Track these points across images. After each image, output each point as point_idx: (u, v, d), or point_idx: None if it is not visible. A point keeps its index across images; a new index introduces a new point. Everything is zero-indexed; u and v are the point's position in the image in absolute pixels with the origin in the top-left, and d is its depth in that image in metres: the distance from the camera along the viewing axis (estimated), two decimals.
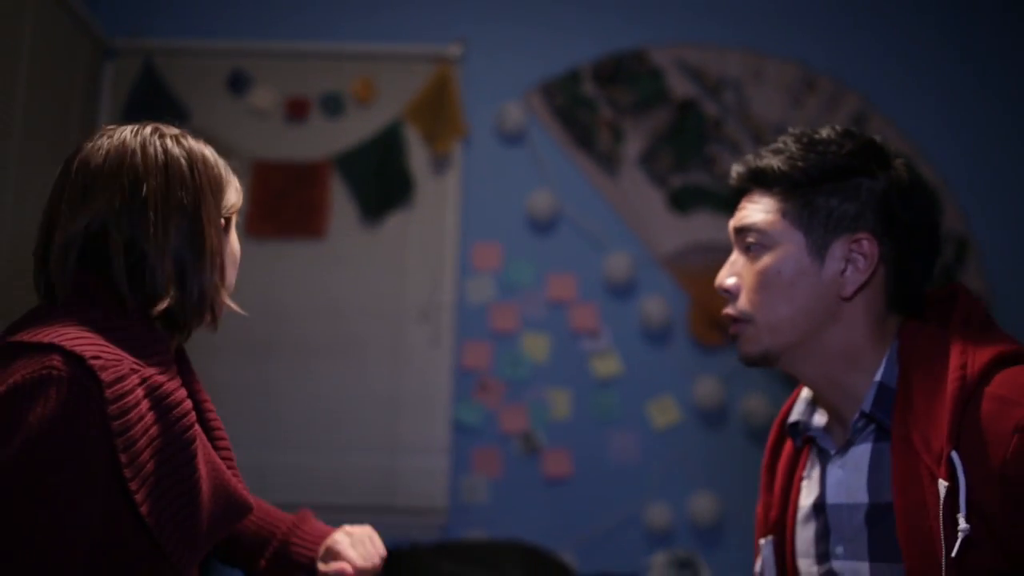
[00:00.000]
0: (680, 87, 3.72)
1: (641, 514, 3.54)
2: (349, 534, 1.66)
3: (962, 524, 1.21)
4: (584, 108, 3.72)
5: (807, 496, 1.52)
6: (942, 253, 1.47)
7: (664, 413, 3.60)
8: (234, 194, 1.41)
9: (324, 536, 1.65)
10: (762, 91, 3.72)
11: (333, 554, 1.62)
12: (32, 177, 3.02)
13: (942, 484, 1.23)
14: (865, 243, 1.40)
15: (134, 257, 1.27)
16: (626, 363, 3.63)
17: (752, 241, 1.48)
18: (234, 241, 1.43)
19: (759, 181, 1.48)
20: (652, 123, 3.71)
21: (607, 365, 3.62)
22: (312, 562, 1.61)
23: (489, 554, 3.22)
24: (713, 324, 3.60)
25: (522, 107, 3.73)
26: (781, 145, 1.47)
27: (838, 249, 1.41)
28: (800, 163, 1.43)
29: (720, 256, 3.53)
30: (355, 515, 3.52)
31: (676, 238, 3.64)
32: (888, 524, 1.35)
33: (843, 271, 1.41)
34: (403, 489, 3.60)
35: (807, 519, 1.51)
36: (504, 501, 3.57)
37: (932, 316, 1.42)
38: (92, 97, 3.61)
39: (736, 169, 1.52)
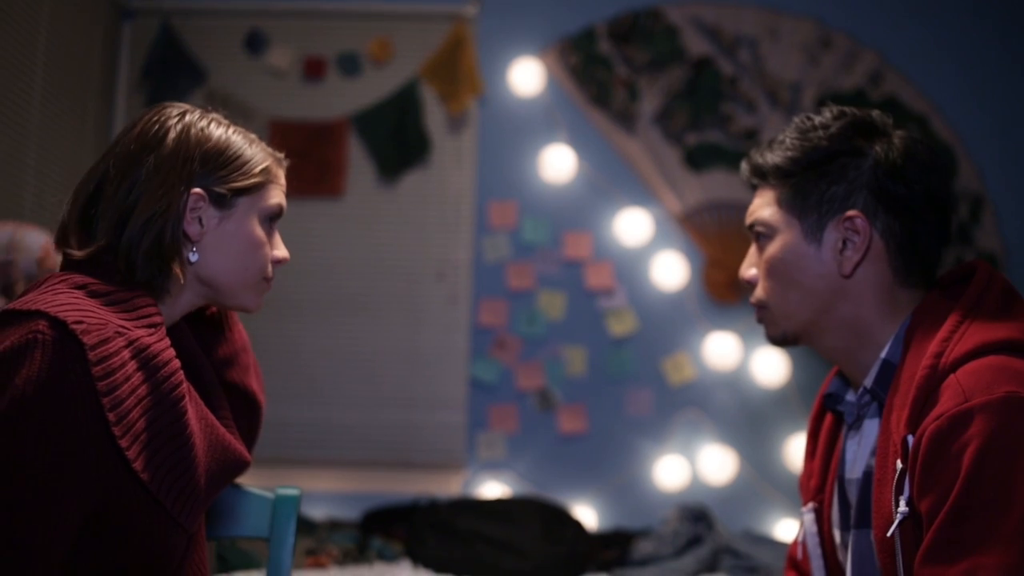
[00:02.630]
0: (696, 45, 3.72)
1: (655, 469, 3.58)
2: None
3: (901, 507, 1.27)
4: (600, 66, 3.72)
5: (839, 468, 1.56)
6: (949, 223, 1.49)
7: (679, 370, 3.63)
8: (246, 176, 1.42)
9: None
10: (778, 49, 3.71)
11: None
12: (53, 137, 3.05)
13: (899, 465, 1.29)
14: (857, 220, 1.43)
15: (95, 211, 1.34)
16: (641, 321, 3.66)
17: (759, 232, 1.54)
18: (244, 226, 1.42)
19: (759, 176, 1.54)
20: (668, 81, 3.71)
21: (623, 323, 3.65)
22: None
23: (506, 509, 3.26)
24: (728, 282, 3.62)
25: (538, 66, 3.73)
26: (781, 138, 1.52)
27: (832, 230, 1.45)
28: (790, 152, 1.48)
29: (735, 214, 3.58)
30: (374, 470, 3.59)
31: (691, 196, 3.66)
32: (869, 494, 1.41)
33: (841, 250, 1.45)
34: (421, 445, 3.65)
35: (836, 489, 1.55)
36: (520, 457, 3.62)
37: (952, 293, 1.43)
38: (111, 58, 3.63)
39: (742, 167, 1.57)
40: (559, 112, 3.73)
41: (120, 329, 1.24)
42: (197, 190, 1.36)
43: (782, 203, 1.49)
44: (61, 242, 1.37)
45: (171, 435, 1.27)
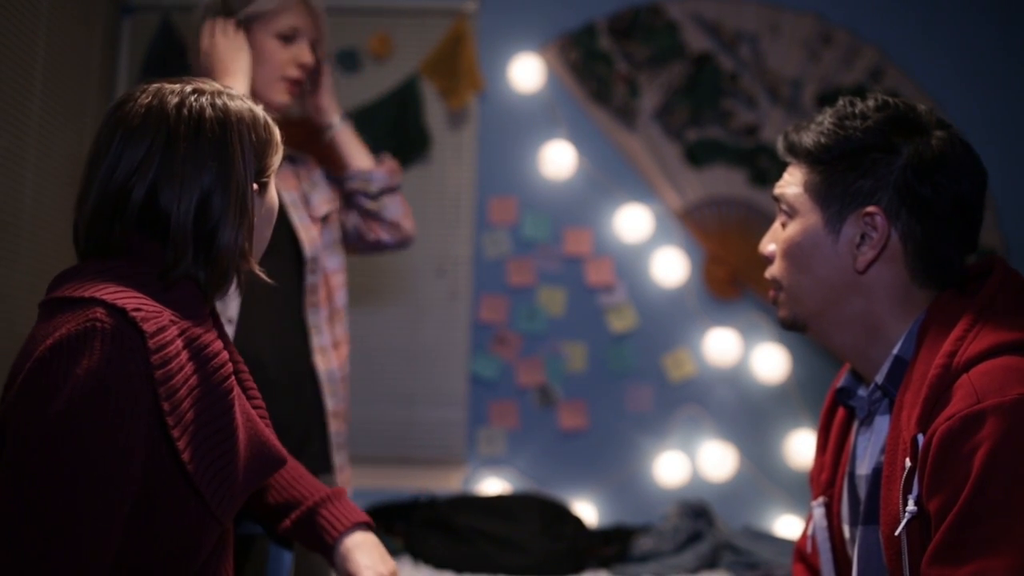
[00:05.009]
0: (696, 41, 3.71)
1: (656, 465, 3.58)
2: (365, 550, 1.63)
3: (910, 506, 1.27)
4: (600, 62, 3.72)
5: (849, 462, 1.55)
6: (975, 231, 1.46)
7: (679, 366, 3.63)
8: (276, 154, 1.42)
9: (354, 520, 1.64)
10: (778, 45, 3.70)
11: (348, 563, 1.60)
12: (53, 134, 3.05)
13: (907, 463, 1.28)
14: (877, 217, 1.41)
15: (157, 215, 1.28)
16: (642, 317, 3.65)
17: (783, 209, 1.52)
18: (273, 198, 1.45)
19: (793, 153, 1.52)
20: (668, 77, 3.71)
21: (623, 319, 3.65)
22: (333, 544, 1.61)
23: (506, 506, 3.25)
24: (728, 278, 3.61)
25: (538, 62, 3.72)
26: (821, 118, 1.49)
27: (851, 224, 1.44)
28: (824, 139, 1.46)
29: (735, 210, 3.57)
30: (373, 466, 3.58)
31: (691, 192, 3.65)
32: (878, 490, 1.40)
33: (858, 245, 1.43)
34: (421, 441, 3.65)
35: (847, 486, 1.55)
36: (521, 453, 3.62)
37: (969, 291, 1.42)
38: (110, 54, 3.62)
39: (779, 138, 1.55)
40: (559, 108, 3.73)
41: (173, 319, 1.24)
42: (255, 186, 1.36)
43: (808, 187, 1.48)
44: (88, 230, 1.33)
45: (218, 428, 1.27)
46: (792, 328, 1.55)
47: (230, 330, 2.08)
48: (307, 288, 2.29)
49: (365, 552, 1.62)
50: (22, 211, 2.87)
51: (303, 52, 2.30)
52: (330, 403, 2.32)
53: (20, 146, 2.87)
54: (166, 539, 1.26)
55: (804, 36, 3.70)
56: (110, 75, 3.63)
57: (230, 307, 2.09)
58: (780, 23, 3.70)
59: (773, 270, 1.55)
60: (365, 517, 1.67)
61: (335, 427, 2.34)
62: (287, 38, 2.28)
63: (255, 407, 1.46)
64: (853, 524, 1.50)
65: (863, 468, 1.48)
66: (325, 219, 2.38)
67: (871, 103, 1.47)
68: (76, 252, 1.35)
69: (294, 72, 2.29)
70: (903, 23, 3.71)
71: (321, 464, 2.27)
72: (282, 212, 2.23)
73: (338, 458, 2.35)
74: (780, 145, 1.54)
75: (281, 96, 2.28)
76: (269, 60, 2.26)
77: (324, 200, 2.39)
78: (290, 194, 2.32)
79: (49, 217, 2.99)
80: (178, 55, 3.68)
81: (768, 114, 3.66)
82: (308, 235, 2.30)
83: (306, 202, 2.36)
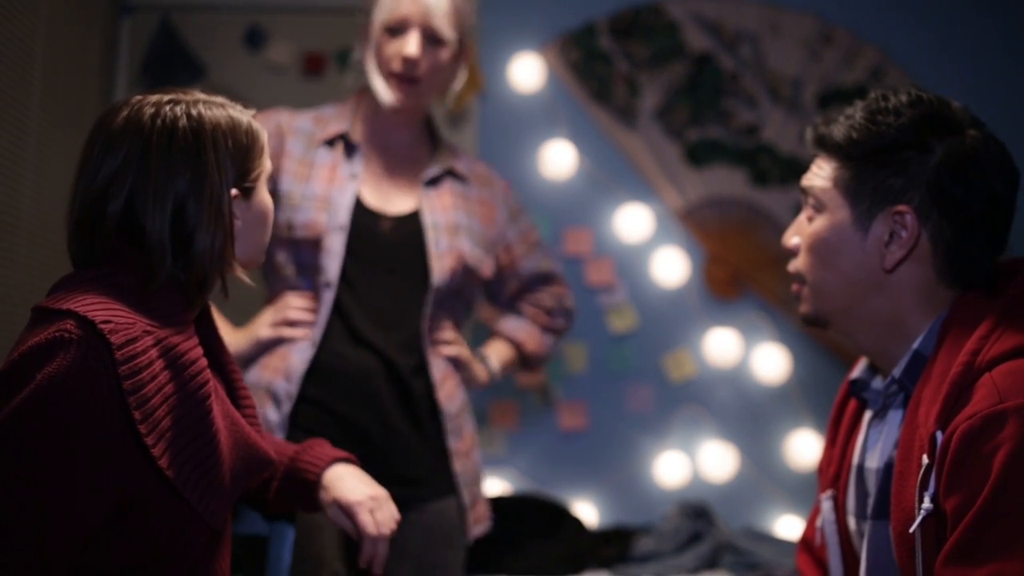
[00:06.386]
0: (696, 41, 3.71)
1: (656, 466, 3.57)
2: (349, 477, 1.64)
3: (925, 503, 1.26)
4: (600, 62, 3.71)
5: (857, 456, 1.55)
6: (1006, 232, 1.46)
7: (680, 366, 3.62)
8: (260, 157, 1.43)
9: (331, 457, 1.66)
10: (779, 44, 3.70)
11: (333, 492, 1.62)
12: (53, 136, 3.04)
13: (924, 460, 1.28)
14: (907, 217, 1.40)
15: (135, 224, 1.31)
16: (642, 317, 3.65)
17: (811, 203, 1.51)
18: (263, 202, 1.45)
19: (823, 146, 1.51)
20: (668, 77, 3.70)
21: (623, 319, 3.64)
22: (316, 480, 1.62)
23: (505, 507, 3.25)
24: (729, 278, 3.61)
25: (538, 61, 3.71)
26: (851, 111, 1.48)
27: (881, 222, 1.43)
28: (855, 134, 1.45)
29: (736, 210, 3.56)
30: None
31: (692, 192, 3.65)
32: (889, 485, 1.39)
33: (887, 243, 1.42)
34: None
35: (854, 478, 1.54)
36: (521, 453, 3.61)
37: (995, 291, 1.41)
38: (110, 54, 3.62)
39: (808, 129, 1.54)
40: (559, 108, 3.72)
41: (148, 328, 1.26)
42: (234, 192, 1.38)
43: (838, 182, 1.46)
44: (75, 241, 1.36)
45: (197, 433, 1.29)
46: (814, 323, 1.54)
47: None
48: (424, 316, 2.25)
49: (350, 478, 1.63)
50: (21, 212, 2.86)
51: (407, 43, 2.10)
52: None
53: (19, 146, 2.86)
54: (153, 541, 1.29)
55: (805, 36, 3.69)
56: (109, 75, 3.63)
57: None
58: (780, 23, 3.70)
59: (797, 264, 1.53)
60: (345, 454, 1.68)
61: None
62: (393, 30, 2.12)
63: (245, 406, 1.49)
64: (860, 517, 1.50)
65: (873, 461, 1.47)
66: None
67: (904, 98, 1.45)
68: (70, 260, 1.38)
69: (396, 66, 2.11)
70: (904, 23, 3.71)
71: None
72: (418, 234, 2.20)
73: (467, 495, 2.38)
74: (809, 136, 1.53)
75: (391, 94, 2.15)
76: (378, 55, 2.15)
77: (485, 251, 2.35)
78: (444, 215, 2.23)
79: (48, 218, 2.98)
80: (177, 55, 3.68)
81: (769, 114, 3.65)
82: (440, 265, 2.21)
83: (455, 230, 2.24)
